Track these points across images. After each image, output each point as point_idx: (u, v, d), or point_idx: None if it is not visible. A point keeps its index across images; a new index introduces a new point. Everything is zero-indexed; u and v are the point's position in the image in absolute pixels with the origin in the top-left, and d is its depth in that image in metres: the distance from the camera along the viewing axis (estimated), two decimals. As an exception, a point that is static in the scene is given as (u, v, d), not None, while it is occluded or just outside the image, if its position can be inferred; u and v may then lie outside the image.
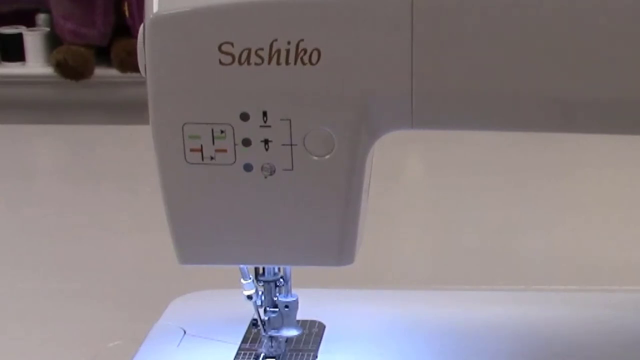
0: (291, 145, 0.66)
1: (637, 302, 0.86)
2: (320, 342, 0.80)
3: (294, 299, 0.77)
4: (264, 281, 0.76)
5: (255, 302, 0.76)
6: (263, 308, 0.77)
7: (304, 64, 0.64)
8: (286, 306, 0.77)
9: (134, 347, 0.81)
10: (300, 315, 0.81)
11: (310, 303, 0.84)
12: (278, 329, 0.77)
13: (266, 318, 0.77)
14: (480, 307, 0.86)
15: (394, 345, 0.80)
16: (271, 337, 0.78)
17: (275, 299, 0.77)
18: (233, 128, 0.66)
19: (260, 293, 0.77)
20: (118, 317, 0.93)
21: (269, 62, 0.64)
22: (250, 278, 0.76)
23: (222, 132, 0.66)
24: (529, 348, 0.80)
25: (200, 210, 0.69)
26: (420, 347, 0.80)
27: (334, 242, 0.70)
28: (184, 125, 0.66)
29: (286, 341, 0.79)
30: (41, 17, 2.25)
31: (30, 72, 2.22)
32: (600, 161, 1.37)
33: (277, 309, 0.77)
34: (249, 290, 0.76)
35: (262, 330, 0.78)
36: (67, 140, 1.56)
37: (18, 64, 2.23)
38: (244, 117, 0.66)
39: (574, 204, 1.23)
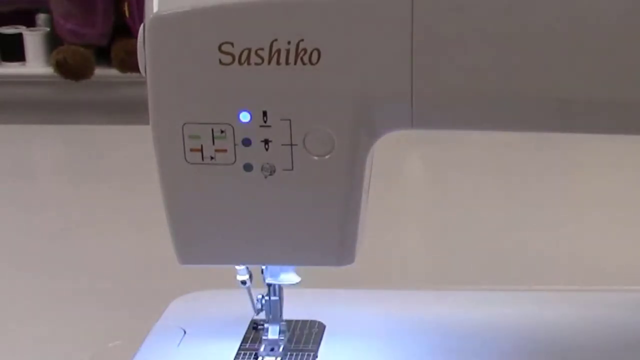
0: (291, 145, 0.67)
1: (637, 302, 0.86)
2: (320, 342, 0.80)
3: None
4: None
5: (249, 287, 0.77)
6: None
7: (304, 64, 0.64)
8: None
9: (134, 347, 0.81)
10: (300, 315, 0.81)
11: (310, 303, 0.84)
12: (276, 275, 0.77)
13: (264, 267, 0.77)
14: (480, 307, 0.86)
15: (394, 345, 0.80)
16: (266, 329, 0.78)
17: None
18: (233, 128, 0.66)
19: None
20: (118, 317, 0.93)
21: (269, 62, 0.64)
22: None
23: (222, 132, 0.66)
24: (529, 348, 0.80)
25: (200, 210, 0.69)
26: (420, 347, 0.80)
27: (334, 242, 0.70)
28: (184, 125, 0.66)
29: (287, 341, 0.79)
30: (41, 17, 2.25)
31: (30, 72, 2.23)
32: (600, 161, 1.37)
33: None
34: (242, 276, 0.76)
35: (262, 334, 0.79)
36: (67, 140, 1.56)
37: (18, 64, 2.23)
38: (244, 117, 0.66)
39: (574, 204, 1.23)
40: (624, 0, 0.62)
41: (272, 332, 0.79)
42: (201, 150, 0.67)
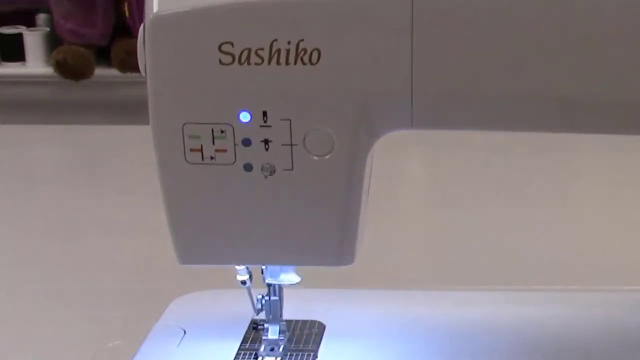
0: (291, 145, 0.67)
1: (637, 302, 0.86)
2: (320, 342, 0.80)
3: None
4: None
5: (249, 287, 0.77)
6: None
7: (304, 64, 0.64)
8: None
9: (134, 347, 0.81)
10: (300, 315, 0.81)
11: (310, 303, 0.84)
12: (276, 275, 0.77)
13: (264, 267, 0.77)
14: (480, 307, 0.86)
15: (393, 345, 0.80)
16: (266, 328, 0.78)
17: None
18: (233, 128, 0.66)
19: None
20: (118, 317, 0.93)
21: (269, 62, 0.64)
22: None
23: (222, 132, 0.66)
24: (528, 348, 0.80)
25: (200, 210, 0.69)
26: (420, 347, 0.80)
27: (334, 242, 0.70)
28: (184, 125, 0.66)
29: (287, 341, 0.79)
30: (41, 17, 2.25)
31: (30, 72, 2.22)
32: (600, 161, 1.37)
33: None
34: (242, 276, 0.76)
35: (262, 334, 0.79)
36: (67, 140, 1.56)
37: (18, 64, 2.23)
38: (244, 117, 0.66)
39: (573, 204, 1.23)
40: (624, 1, 0.62)
41: (272, 332, 0.79)
42: (201, 150, 0.67)
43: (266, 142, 0.67)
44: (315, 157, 0.67)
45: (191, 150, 0.67)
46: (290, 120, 0.66)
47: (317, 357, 0.79)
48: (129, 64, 2.12)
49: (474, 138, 1.38)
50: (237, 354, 0.79)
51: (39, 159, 1.51)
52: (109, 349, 0.87)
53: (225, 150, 0.67)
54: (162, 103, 0.67)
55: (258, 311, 0.79)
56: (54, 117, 2.12)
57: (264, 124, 0.66)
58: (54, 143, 1.54)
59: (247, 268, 0.76)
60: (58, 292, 0.99)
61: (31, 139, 1.55)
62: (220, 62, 0.64)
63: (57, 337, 0.91)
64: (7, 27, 2.23)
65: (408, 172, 1.44)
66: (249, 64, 0.64)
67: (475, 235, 1.12)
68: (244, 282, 0.76)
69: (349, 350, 0.80)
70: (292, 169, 0.67)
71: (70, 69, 2.16)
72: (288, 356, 0.79)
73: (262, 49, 0.64)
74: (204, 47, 0.64)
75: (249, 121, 0.66)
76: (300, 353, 0.79)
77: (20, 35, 2.21)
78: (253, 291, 0.78)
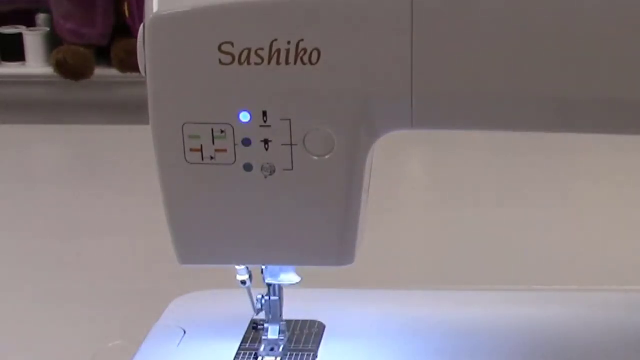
0: (291, 145, 0.67)
1: (637, 302, 0.86)
2: (320, 342, 0.80)
3: None
4: None
5: (249, 287, 0.77)
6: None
7: (304, 64, 0.64)
8: None
9: (134, 347, 0.81)
10: (300, 315, 0.81)
11: (310, 303, 0.84)
12: (276, 275, 0.77)
13: (264, 267, 0.77)
14: (480, 307, 0.86)
15: (393, 345, 0.80)
16: (266, 330, 0.78)
17: None
18: (233, 128, 0.66)
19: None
20: (118, 317, 0.93)
21: (269, 62, 0.64)
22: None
23: (222, 132, 0.66)
24: (528, 348, 0.80)
25: (200, 210, 0.69)
26: (420, 347, 0.80)
27: (334, 242, 0.70)
28: (184, 125, 0.66)
29: (287, 341, 0.79)
30: (41, 17, 2.25)
31: (30, 72, 2.22)
32: (600, 161, 1.37)
33: None
34: (242, 276, 0.76)
35: (262, 334, 0.79)
36: (67, 140, 1.55)
37: (18, 64, 2.23)
38: (244, 117, 0.66)
39: (573, 204, 1.23)
40: (624, 1, 0.62)
41: (272, 332, 0.79)
42: (201, 150, 0.67)
43: (266, 142, 0.67)
44: (315, 157, 0.67)
45: (191, 150, 0.67)
46: (290, 120, 0.66)
47: (317, 357, 0.79)
48: (129, 64, 2.12)
49: (474, 138, 1.38)
50: (237, 354, 0.79)
51: (39, 159, 1.51)
52: (109, 349, 0.87)
53: (225, 150, 0.67)
54: (162, 103, 0.67)
55: (258, 311, 0.79)
56: (54, 117, 2.11)
57: (264, 124, 0.66)
58: (54, 143, 1.54)
59: (247, 268, 0.76)
60: (58, 292, 0.99)
61: (31, 139, 1.55)
62: (220, 62, 0.64)
63: (57, 337, 0.91)
64: (7, 27, 2.23)
65: (408, 172, 1.44)
66: (249, 64, 0.64)
67: (475, 235, 1.12)
68: (244, 282, 0.76)
69: (349, 350, 0.80)
70: (292, 169, 0.67)
71: (70, 69, 2.16)
72: (288, 356, 0.79)
73: (262, 49, 0.64)
74: (203, 47, 0.64)
75: (249, 121, 0.66)
76: (300, 353, 0.79)
77: (20, 35, 2.21)
78: (253, 291, 0.78)
